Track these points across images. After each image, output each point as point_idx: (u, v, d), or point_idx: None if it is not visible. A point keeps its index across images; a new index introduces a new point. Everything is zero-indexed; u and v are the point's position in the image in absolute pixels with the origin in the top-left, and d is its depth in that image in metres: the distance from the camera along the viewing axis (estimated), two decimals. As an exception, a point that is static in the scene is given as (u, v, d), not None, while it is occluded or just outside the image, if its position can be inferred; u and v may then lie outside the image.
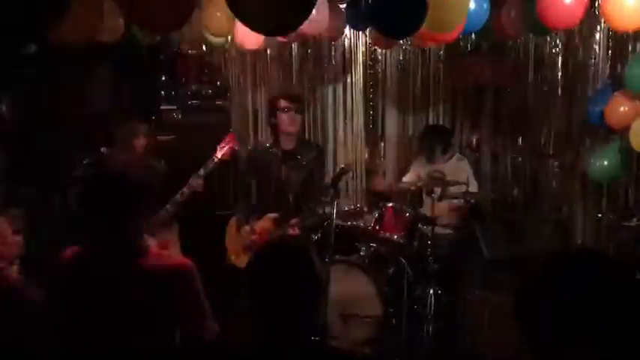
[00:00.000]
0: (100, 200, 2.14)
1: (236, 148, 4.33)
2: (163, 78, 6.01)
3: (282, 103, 4.41)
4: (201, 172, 4.24)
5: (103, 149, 4.44)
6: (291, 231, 4.11)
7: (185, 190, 4.24)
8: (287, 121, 4.37)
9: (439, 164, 5.18)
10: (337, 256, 4.65)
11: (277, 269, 1.78)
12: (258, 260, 1.82)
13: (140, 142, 4.50)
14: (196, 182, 4.24)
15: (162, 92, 5.94)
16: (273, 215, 4.24)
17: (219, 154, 4.25)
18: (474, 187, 5.09)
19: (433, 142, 5.25)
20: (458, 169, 5.16)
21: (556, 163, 5.54)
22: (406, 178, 5.44)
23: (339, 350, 1.90)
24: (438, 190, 4.80)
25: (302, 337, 1.79)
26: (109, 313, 2.08)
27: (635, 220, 4.09)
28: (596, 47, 5.06)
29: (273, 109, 4.48)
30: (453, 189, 4.88)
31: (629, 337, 1.28)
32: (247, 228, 4.29)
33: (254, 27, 3.28)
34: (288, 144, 4.46)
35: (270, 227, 4.20)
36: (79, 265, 2.18)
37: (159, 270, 2.13)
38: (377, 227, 4.77)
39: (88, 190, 2.19)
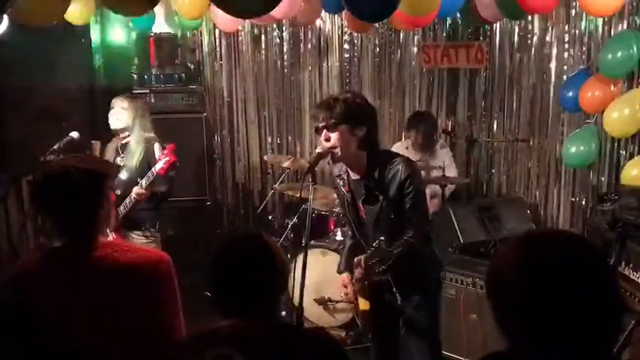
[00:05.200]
0: (52, 198, 2.05)
1: (176, 163, 3.96)
2: (136, 61, 5.91)
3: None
4: (143, 183, 3.96)
5: (73, 133, 4.35)
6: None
7: (127, 201, 4.01)
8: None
9: (426, 152, 5.13)
10: (313, 241, 4.66)
11: (234, 256, 1.81)
12: (219, 252, 1.84)
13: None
14: (138, 192, 3.98)
15: (134, 76, 5.84)
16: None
17: (157, 168, 3.92)
18: (452, 172, 5.09)
19: (424, 130, 5.11)
20: (440, 155, 5.16)
21: (530, 147, 5.58)
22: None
23: (313, 333, 1.89)
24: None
25: (269, 320, 1.79)
26: (73, 312, 1.99)
27: (608, 204, 4.13)
28: (571, 32, 5.09)
29: None
30: (432, 174, 4.88)
31: (599, 318, 1.28)
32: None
33: (228, 9, 3.24)
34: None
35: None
36: (40, 268, 2.09)
37: (133, 263, 2.05)
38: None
39: (42, 188, 2.11)
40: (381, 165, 2.93)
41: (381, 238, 2.77)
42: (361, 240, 3.12)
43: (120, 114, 4.16)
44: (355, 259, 2.91)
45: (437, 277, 3.23)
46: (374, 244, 2.77)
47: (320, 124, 2.89)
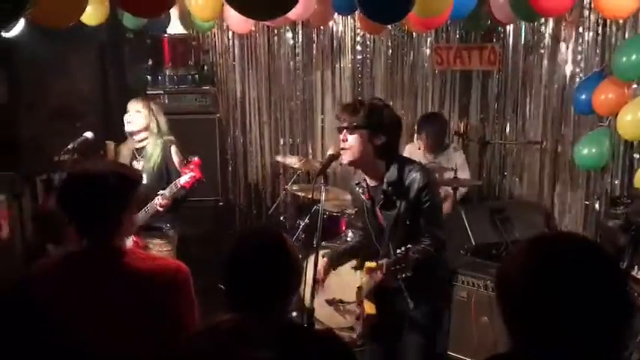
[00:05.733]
0: (78, 200, 2.07)
1: (202, 180, 3.92)
2: (150, 62, 5.94)
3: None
4: (167, 193, 3.89)
5: (87, 133, 4.38)
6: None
7: (148, 208, 3.93)
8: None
9: (438, 154, 5.13)
10: (324, 242, 4.66)
11: (249, 251, 1.81)
12: (234, 246, 1.84)
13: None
14: (161, 203, 3.91)
15: (148, 77, 5.87)
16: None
17: (182, 181, 3.86)
18: (465, 174, 5.08)
19: (437, 131, 5.12)
20: (453, 157, 5.15)
21: (543, 149, 5.55)
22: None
23: (320, 334, 1.89)
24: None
25: (277, 318, 1.79)
26: (90, 315, 2.00)
27: (621, 207, 4.11)
28: (585, 34, 5.07)
29: None
30: (445, 176, 4.88)
31: (606, 320, 1.28)
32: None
33: (242, 11, 3.25)
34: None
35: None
36: (59, 269, 2.10)
37: (151, 271, 2.06)
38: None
39: (66, 189, 2.12)
40: (399, 171, 2.93)
41: (408, 246, 2.76)
42: (378, 245, 3.12)
43: (135, 117, 4.15)
44: (377, 263, 2.88)
45: (446, 281, 3.24)
46: (398, 252, 2.75)
47: (342, 124, 2.95)
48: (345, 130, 2.93)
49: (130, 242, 3.78)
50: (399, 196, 2.93)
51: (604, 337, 1.29)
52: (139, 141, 4.20)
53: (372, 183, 3.05)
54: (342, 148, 2.95)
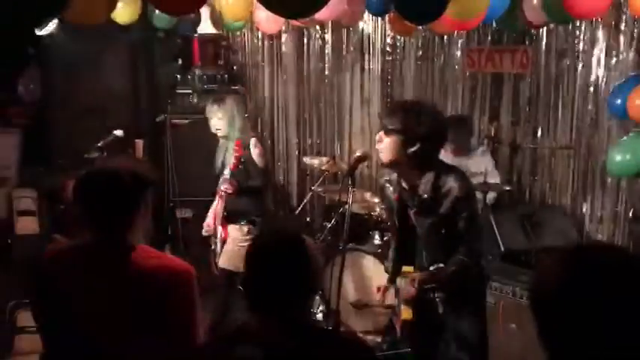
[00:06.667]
0: (91, 195, 2.12)
1: (242, 157, 4.16)
2: (179, 61, 5.98)
3: None
4: (226, 174, 4.19)
5: (117, 131, 4.42)
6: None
7: (218, 197, 4.29)
8: None
9: (467, 157, 5.09)
10: (351, 244, 4.64)
11: (271, 256, 1.80)
12: (253, 247, 1.85)
13: None
14: (224, 188, 4.19)
15: (178, 76, 5.91)
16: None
17: (229, 164, 4.20)
18: (495, 179, 5.01)
19: (462, 134, 5.09)
20: (482, 161, 5.10)
21: (575, 154, 5.45)
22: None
23: (348, 338, 1.87)
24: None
25: (297, 322, 1.78)
26: (91, 305, 2.04)
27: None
28: (621, 37, 4.97)
29: None
30: (473, 180, 4.82)
31: None
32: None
33: (274, 9, 3.24)
34: None
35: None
36: (68, 256, 2.16)
37: (154, 270, 2.08)
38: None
39: (82, 184, 2.16)
40: (435, 179, 2.81)
41: (440, 265, 2.70)
42: (405, 250, 3.07)
43: (217, 124, 4.35)
44: (409, 277, 2.82)
45: (484, 291, 3.16)
46: (432, 268, 2.69)
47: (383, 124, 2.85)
48: (382, 131, 2.84)
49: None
50: (434, 204, 2.82)
51: None
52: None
53: (406, 186, 2.96)
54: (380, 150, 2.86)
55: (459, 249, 2.80)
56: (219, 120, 4.33)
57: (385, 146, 2.81)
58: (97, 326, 2.02)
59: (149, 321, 2.02)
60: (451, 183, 2.78)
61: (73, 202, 2.13)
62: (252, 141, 4.33)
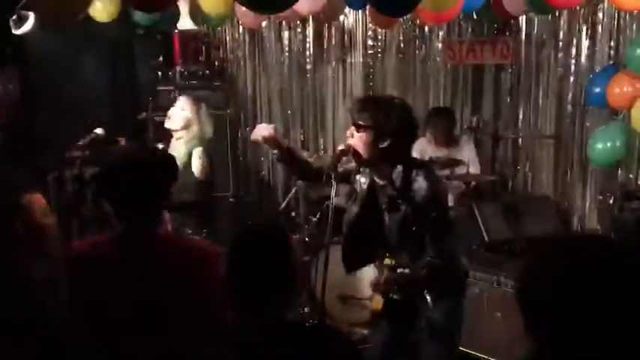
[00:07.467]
0: (117, 185, 2.11)
1: None
2: (160, 58, 5.95)
3: None
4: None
5: (97, 130, 4.38)
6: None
7: None
8: None
9: (449, 148, 5.12)
10: (336, 238, 4.63)
11: (250, 251, 1.80)
12: (234, 244, 1.84)
13: None
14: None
15: (159, 73, 5.87)
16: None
17: None
18: (475, 169, 5.05)
19: (444, 125, 5.14)
20: (464, 151, 5.13)
21: (556, 144, 5.50)
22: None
23: (334, 331, 1.88)
24: (444, 173, 4.75)
25: (279, 317, 1.78)
26: (131, 301, 2.04)
27: (636, 202, 4.06)
28: (599, 26, 5.00)
29: None
30: (455, 170, 4.85)
31: (635, 326, 1.25)
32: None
33: (248, 4, 3.23)
34: None
35: None
36: (101, 255, 2.13)
37: (183, 255, 2.11)
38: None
39: (108, 176, 2.16)
40: (405, 175, 2.78)
41: (406, 270, 2.68)
42: (376, 246, 3.05)
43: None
44: (374, 279, 2.83)
45: (460, 288, 3.13)
46: (400, 271, 2.67)
47: (352, 119, 2.81)
48: (353, 126, 2.82)
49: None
50: (404, 201, 2.80)
51: (636, 340, 1.26)
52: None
53: (380, 182, 2.93)
54: (349, 145, 2.82)
55: (428, 249, 2.75)
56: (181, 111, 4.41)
57: (356, 142, 2.80)
58: (136, 316, 2.02)
59: (179, 300, 2.03)
60: (420, 181, 2.76)
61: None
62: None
